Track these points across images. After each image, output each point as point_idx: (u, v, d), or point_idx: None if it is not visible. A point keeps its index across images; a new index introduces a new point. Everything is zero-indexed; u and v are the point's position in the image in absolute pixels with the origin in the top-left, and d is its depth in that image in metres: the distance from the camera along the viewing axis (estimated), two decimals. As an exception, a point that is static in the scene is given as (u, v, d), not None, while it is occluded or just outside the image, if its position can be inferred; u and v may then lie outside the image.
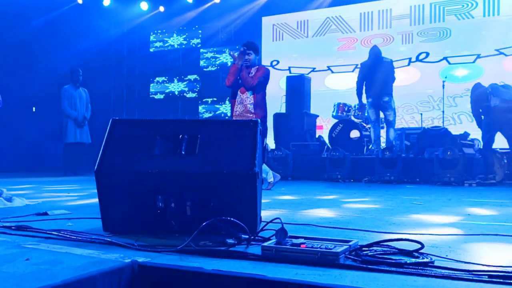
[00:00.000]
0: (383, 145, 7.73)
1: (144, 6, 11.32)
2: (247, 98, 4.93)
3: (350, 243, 1.86)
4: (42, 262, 1.68)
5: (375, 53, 7.71)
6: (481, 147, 7.46)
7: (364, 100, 7.80)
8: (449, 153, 6.39)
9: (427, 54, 9.29)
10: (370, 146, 8.03)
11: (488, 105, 6.76)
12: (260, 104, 4.93)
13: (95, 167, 2.29)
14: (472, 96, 7.22)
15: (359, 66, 9.81)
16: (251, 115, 4.84)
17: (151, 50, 12.26)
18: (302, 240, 1.86)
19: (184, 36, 11.82)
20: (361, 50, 9.91)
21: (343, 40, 10.11)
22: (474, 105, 7.08)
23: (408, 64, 9.39)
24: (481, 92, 7.02)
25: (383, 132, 7.85)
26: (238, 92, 4.97)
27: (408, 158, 7.10)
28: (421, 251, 1.85)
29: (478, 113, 7.05)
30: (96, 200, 2.32)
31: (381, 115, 7.68)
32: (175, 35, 11.94)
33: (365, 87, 7.67)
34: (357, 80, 7.85)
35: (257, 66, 5.06)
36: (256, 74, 4.92)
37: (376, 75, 7.47)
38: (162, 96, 12.12)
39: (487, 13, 8.86)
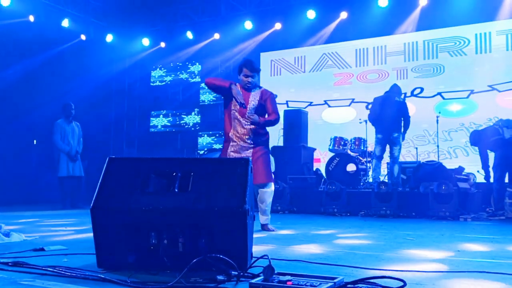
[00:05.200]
0: (383, 178, 7.78)
1: (145, 42, 11.61)
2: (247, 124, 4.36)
3: (335, 280, 1.92)
4: (36, 298, 1.74)
5: (389, 92, 7.74)
6: (476, 181, 7.51)
7: None
8: (443, 187, 6.44)
9: (422, 89, 9.48)
10: (366, 179, 8.10)
11: (502, 138, 6.69)
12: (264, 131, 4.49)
13: (91, 204, 2.37)
14: (475, 142, 7.17)
15: (355, 100, 10.09)
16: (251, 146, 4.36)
17: (152, 84, 12.49)
18: (288, 277, 1.92)
19: (184, 71, 12.08)
20: (357, 85, 10.12)
21: (339, 75, 10.34)
22: (482, 148, 7.02)
23: (403, 99, 9.55)
24: (485, 131, 7.02)
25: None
26: (237, 115, 4.36)
27: (403, 192, 7.15)
28: (404, 288, 1.91)
29: (486, 154, 6.98)
30: (92, 234, 2.39)
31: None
32: (175, 69, 12.20)
33: (375, 122, 7.71)
34: (369, 113, 7.91)
35: (261, 89, 4.47)
36: (269, 106, 4.39)
37: (386, 113, 7.50)
38: (161, 129, 12.27)
39: (479, 50, 9.09)
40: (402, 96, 8.04)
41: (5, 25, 9.14)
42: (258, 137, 4.43)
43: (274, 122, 4.50)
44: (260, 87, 4.55)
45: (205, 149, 11.49)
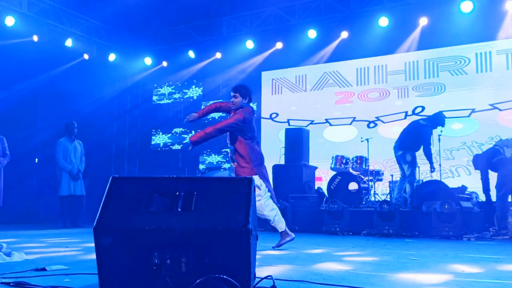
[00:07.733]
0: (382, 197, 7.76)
1: (148, 61, 11.71)
2: (231, 151, 4.59)
3: (340, 302, 1.90)
4: (38, 320, 1.72)
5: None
6: (479, 200, 7.48)
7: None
8: (446, 206, 6.40)
9: (423, 108, 9.51)
10: (368, 198, 8.07)
11: (503, 158, 6.74)
12: (245, 156, 4.48)
13: (94, 224, 2.35)
14: (477, 166, 7.20)
15: (357, 118, 10.12)
16: (242, 169, 4.47)
17: (154, 103, 12.56)
18: (293, 298, 1.91)
19: (186, 89, 12.15)
20: (358, 103, 10.16)
21: (340, 94, 10.38)
22: (483, 170, 7.03)
23: (405, 118, 9.58)
24: (487, 154, 7.06)
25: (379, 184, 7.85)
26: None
27: (406, 211, 7.10)
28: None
29: (487, 178, 6.98)
30: (94, 254, 2.37)
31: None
32: (177, 88, 12.27)
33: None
34: None
35: (239, 110, 4.51)
36: (228, 119, 4.50)
37: (403, 132, 7.71)
38: (163, 148, 12.28)
39: (480, 69, 9.14)
40: (440, 129, 7.79)
41: (9, 45, 9.23)
42: None
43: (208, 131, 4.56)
44: (242, 107, 4.57)
45: (205, 167, 11.47)
